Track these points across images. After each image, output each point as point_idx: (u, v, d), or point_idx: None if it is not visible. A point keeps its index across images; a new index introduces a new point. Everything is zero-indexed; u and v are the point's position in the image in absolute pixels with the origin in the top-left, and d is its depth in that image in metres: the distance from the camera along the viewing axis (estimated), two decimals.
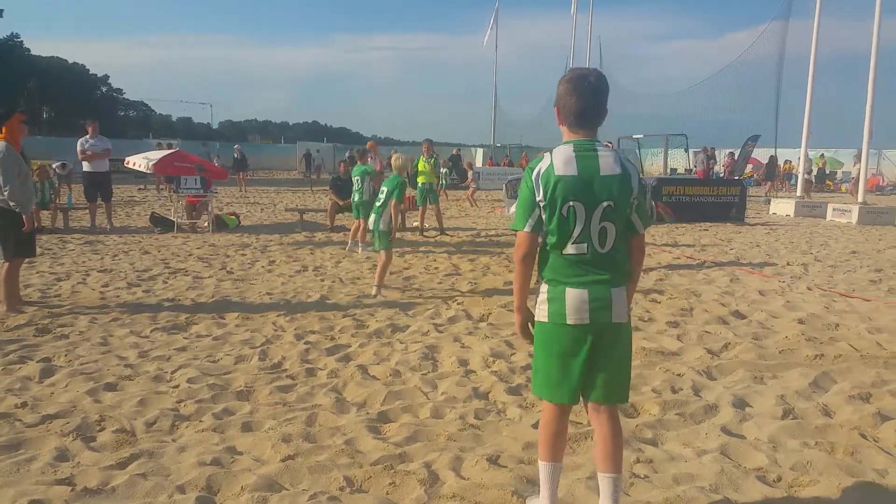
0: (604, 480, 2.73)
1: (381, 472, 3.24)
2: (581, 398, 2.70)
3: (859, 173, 18.87)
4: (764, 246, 11.68)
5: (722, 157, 28.79)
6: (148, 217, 13.73)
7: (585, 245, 2.56)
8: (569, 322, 2.59)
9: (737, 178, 21.91)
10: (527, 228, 2.60)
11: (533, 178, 2.59)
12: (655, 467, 3.34)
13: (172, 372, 4.74)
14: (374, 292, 7.24)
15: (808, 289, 7.75)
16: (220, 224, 13.13)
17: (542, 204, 2.57)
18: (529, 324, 2.78)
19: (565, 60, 41.26)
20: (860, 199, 17.52)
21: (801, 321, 6.18)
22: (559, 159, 2.58)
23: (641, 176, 2.66)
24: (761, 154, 32.19)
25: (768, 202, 20.26)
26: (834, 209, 17.28)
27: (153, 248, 10.52)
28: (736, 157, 28.48)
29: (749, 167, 30.25)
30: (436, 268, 9.03)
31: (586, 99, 2.61)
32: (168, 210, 15.08)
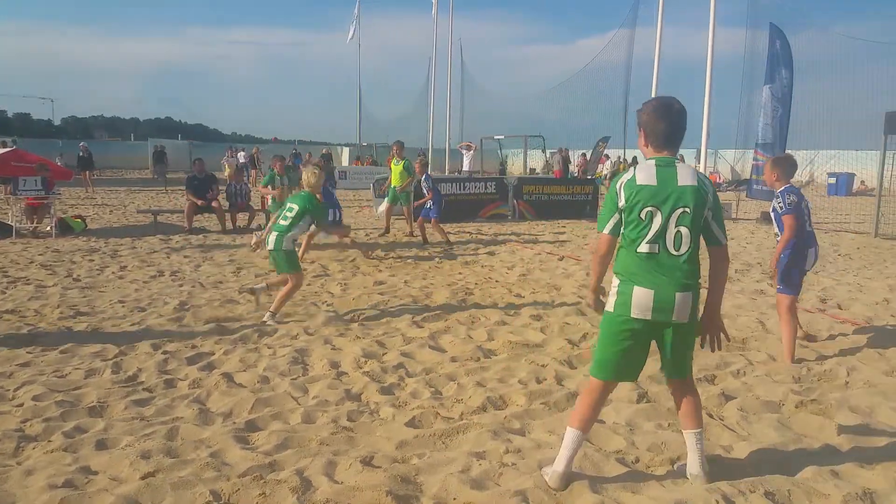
0: (689, 436, 3.17)
1: (250, 483, 3.12)
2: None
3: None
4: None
5: (575, 157, 30.41)
6: None
7: (658, 245, 2.92)
8: (632, 315, 2.96)
9: (589, 177, 23.20)
10: (607, 231, 3.02)
11: (617, 187, 2.99)
12: (524, 455, 3.47)
13: (15, 389, 4.31)
14: (265, 318, 6.03)
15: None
16: (65, 228, 12.02)
17: (622, 209, 2.96)
18: (601, 296, 3.20)
19: (427, 61, 41.90)
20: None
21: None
22: (641, 172, 2.96)
23: (714, 189, 3.04)
24: (611, 154, 34.37)
25: None
26: None
27: None
28: (588, 158, 30.21)
29: (600, 167, 32.16)
30: (303, 269, 8.80)
31: (673, 124, 2.99)
32: (5, 214, 13.58)
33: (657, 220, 2.91)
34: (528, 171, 32.05)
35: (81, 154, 24.80)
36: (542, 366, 4.93)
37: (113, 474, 3.24)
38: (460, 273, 8.74)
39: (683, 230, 2.91)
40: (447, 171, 36.72)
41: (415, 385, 4.51)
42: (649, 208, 2.91)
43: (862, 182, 28.41)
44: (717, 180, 33.64)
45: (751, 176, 18.46)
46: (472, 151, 25.23)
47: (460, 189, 15.67)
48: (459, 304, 6.86)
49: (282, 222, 6.26)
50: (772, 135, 16.80)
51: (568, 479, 3.12)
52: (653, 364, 4.87)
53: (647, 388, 4.48)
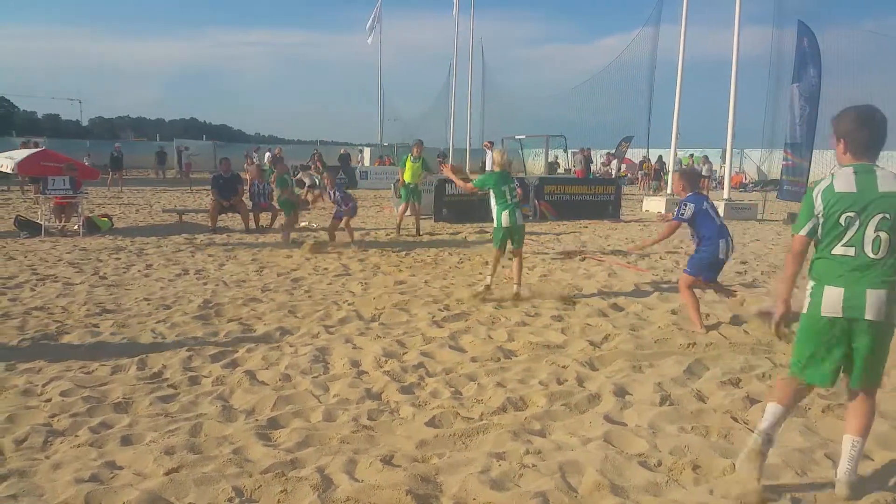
0: (848, 440, 3.12)
1: (272, 480, 3.14)
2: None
3: (718, 171, 20.37)
4: (638, 241, 12.36)
5: (599, 157, 30.22)
6: (12, 220, 12.58)
7: (853, 249, 2.96)
8: (823, 314, 3.01)
9: (612, 177, 23.05)
10: (803, 233, 3.07)
11: (814, 194, 3.05)
12: (544, 457, 3.45)
13: (43, 385, 4.38)
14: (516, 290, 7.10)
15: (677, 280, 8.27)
16: (92, 227, 12.22)
17: (819, 216, 3.02)
18: (786, 319, 3.23)
19: (449, 62, 41.92)
20: (726, 195, 18.96)
21: (674, 312, 6.59)
22: (840, 180, 3.02)
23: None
24: (634, 154, 34.10)
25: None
26: None
27: (19, 254, 9.65)
28: (613, 157, 30.01)
29: (623, 167, 31.92)
30: (325, 269, 8.87)
31: (876, 132, 3.05)
32: (34, 213, 13.86)
33: (855, 225, 2.96)
34: (554, 170, 31.85)
35: (114, 154, 25.37)
36: (563, 367, 4.90)
37: (137, 469, 3.29)
38: (481, 273, 8.72)
39: (883, 235, 2.93)
40: (468, 171, 36.69)
41: (435, 385, 4.51)
42: (848, 214, 2.97)
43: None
44: (743, 180, 33.21)
45: (781, 176, 18.21)
46: (491, 151, 25.19)
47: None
48: (479, 305, 6.85)
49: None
50: (800, 134, 16.54)
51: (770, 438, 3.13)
52: (674, 366, 4.86)
53: (670, 391, 4.44)
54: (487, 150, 25.23)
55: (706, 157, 28.92)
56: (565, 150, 30.42)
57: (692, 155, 32.80)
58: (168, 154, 33.69)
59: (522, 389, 4.45)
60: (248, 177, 14.77)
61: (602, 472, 3.26)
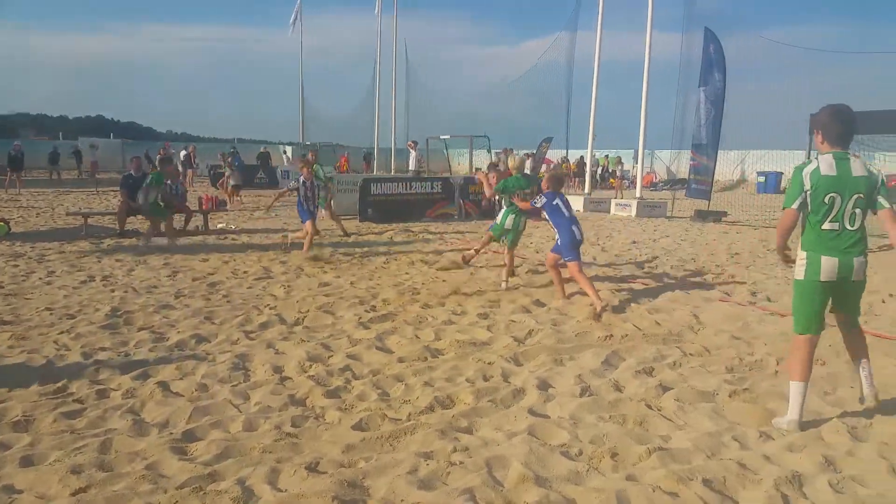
0: (862, 365, 3.88)
1: (189, 496, 3.02)
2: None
3: (630, 171, 21.12)
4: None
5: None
6: None
7: (838, 224, 3.64)
8: (822, 279, 3.69)
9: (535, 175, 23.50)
10: (794, 206, 3.69)
11: (803, 174, 3.67)
12: (471, 453, 3.48)
13: None
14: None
15: (598, 276, 8.53)
16: None
17: (808, 193, 3.64)
18: (787, 255, 3.94)
19: (373, 61, 41.64)
20: (638, 194, 19.68)
21: (592, 305, 6.78)
22: (824, 164, 3.65)
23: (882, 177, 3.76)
24: (554, 155, 34.84)
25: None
26: (616, 204, 19.21)
27: None
28: (534, 158, 30.56)
29: (543, 167, 32.60)
30: (244, 272, 8.62)
31: (847, 125, 3.71)
32: None
33: (838, 204, 3.62)
34: (474, 170, 32.17)
35: (13, 153, 22.86)
36: (489, 363, 4.96)
37: (40, 492, 3.08)
38: (407, 273, 8.72)
39: (858, 211, 3.64)
40: (393, 171, 36.59)
41: (361, 387, 4.46)
42: (832, 194, 3.61)
43: (789, 180, 29.62)
44: (654, 180, 34.59)
45: (689, 176, 19.06)
46: (415, 151, 25.17)
47: (406, 189, 15.65)
48: (406, 305, 6.83)
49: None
50: (705, 136, 17.37)
51: (803, 424, 3.74)
52: (593, 358, 5.00)
53: (589, 382, 4.56)
54: (411, 150, 25.22)
55: (619, 159, 29.95)
56: (489, 151, 30.79)
57: (607, 156, 33.91)
58: (62, 154, 31.26)
59: (450, 388, 4.47)
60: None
61: (526, 464, 3.31)
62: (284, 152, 42.03)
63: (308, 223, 9.97)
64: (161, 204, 11.03)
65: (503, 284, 7.83)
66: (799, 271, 3.79)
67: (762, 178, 30.42)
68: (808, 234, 3.74)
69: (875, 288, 7.71)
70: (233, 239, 11.92)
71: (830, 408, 4.06)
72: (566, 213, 7.14)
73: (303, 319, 6.24)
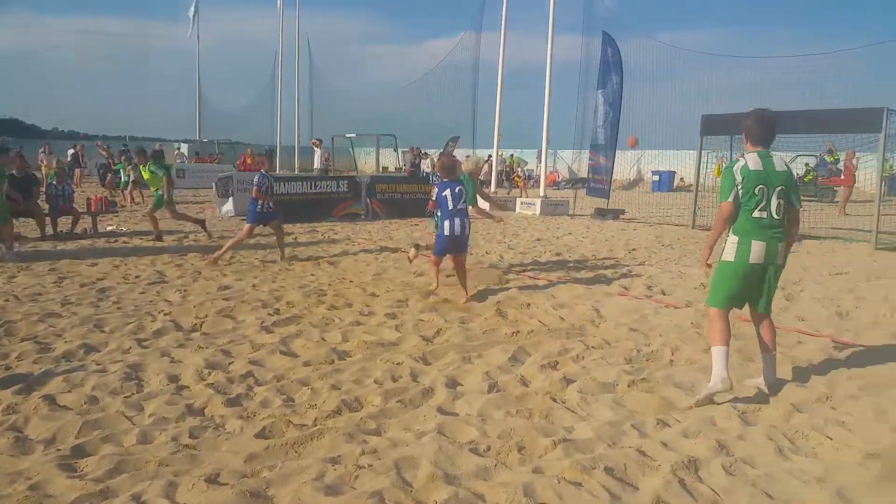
0: (767, 358, 4.42)
1: None
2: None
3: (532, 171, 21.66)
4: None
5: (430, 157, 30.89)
6: None
7: (766, 213, 4.14)
8: (751, 262, 4.17)
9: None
10: (730, 199, 4.15)
11: (734, 170, 4.18)
12: (379, 455, 3.44)
13: None
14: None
15: (504, 273, 8.69)
16: None
17: (739, 186, 4.13)
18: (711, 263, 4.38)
19: (273, 55, 40.64)
20: (542, 193, 20.21)
21: (499, 302, 6.90)
22: (751, 161, 4.17)
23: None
24: (460, 154, 35.19)
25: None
26: (521, 203, 19.65)
27: None
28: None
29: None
30: (136, 276, 8.17)
31: (767, 129, 4.26)
32: None
33: (765, 195, 4.12)
34: (380, 169, 32.08)
35: None
36: (398, 364, 4.93)
37: None
38: (312, 274, 8.54)
39: (781, 202, 4.15)
40: (297, 170, 35.86)
41: (265, 393, 4.32)
42: (760, 186, 4.11)
43: (681, 179, 31.34)
44: (557, 179, 35.66)
45: (588, 175, 19.76)
46: (320, 149, 24.75)
47: (311, 188, 15.34)
48: (312, 306, 6.69)
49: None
50: (603, 137, 18.06)
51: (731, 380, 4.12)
52: (500, 355, 5.08)
53: (496, 378, 4.63)
54: (316, 149, 24.79)
55: (521, 158, 30.66)
56: (395, 150, 30.75)
57: (512, 155, 34.62)
58: None
59: (357, 390, 4.41)
60: (44, 175, 13.22)
61: (436, 463, 3.31)
62: (178, 149, 40.32)
63: (247, 227, 9.48)
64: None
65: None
66: (729, 254, 4.23)
67: (657, 178, 31.98)
68: (739, 221, 4.19)
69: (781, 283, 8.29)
70: (124, 242, 11.28)
71: (723, 394, 4.29)
72: (450, 206, 6.99)
73: (200, 325, 5.97)
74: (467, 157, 8.95)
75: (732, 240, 4.22)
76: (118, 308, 6.52)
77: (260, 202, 9.38)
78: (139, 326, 5.85)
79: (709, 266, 4.42)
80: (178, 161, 34.58)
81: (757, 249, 4.14)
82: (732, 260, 4.21)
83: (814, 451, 3.57)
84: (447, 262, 7.29)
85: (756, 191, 4.11)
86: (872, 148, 13.72)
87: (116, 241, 11.38)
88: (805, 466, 3.38)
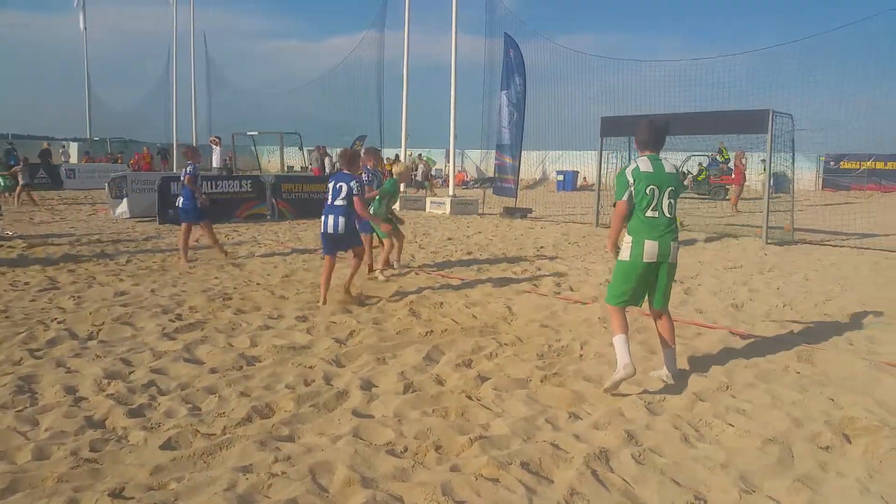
0: (668, 352, 4.64)
1: None
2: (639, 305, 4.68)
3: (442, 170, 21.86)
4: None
5: (335, 155, 30.52)
6: None
7: (658, 212, 4.36)
8: (644, 260, 4.37)
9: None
10: (624, 198, 4.38)
11: (626, 172, 4.41)
12: (293, 462, 3.37)
13: None
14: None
15: (416, 273, 8.72)
16: None
17: (632, 187, 4.35)
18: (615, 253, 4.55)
19: (168, 50, 38.91)
20: (451, 192, 20.39)
21: (412, 302, 6.91)
22: (643, 164, 4.41)
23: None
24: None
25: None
26: (431, 202, 19.75)
27: None
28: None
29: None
30: (25, 283, 7.62)
31: (657, 135, 4.55)
32: None
33: (657, 195, 4.34)
34: (286, 168, 31.35)
35: None
36: (310, 367, 4.84)
37: None
38: (216, 277, 8.24)
39: (672, 202, 4.42)
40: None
41: (169, 403, 4.13)
42: (652, 186, 4.33)
43: (584, 178, 32.47)
44: (465, 178, 36.10)
45: (494, 174, 20.12)
46: (219, 147, 23.88)
47: (212, 188, 14.78)
48: (217, 311, 6.46)
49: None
50: (509, 137, 18.44)
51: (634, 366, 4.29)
52: (415, 355, 5.09)
53: (412, 378, 4.63)
54: (215, 147, 23.91)
55: (431, 158, 30.85)
56: (300, 148, 30.15)
57: (420, 155, 34.79)
58: None
59: (268, 396, 4.30)
60: None
61: (352, 467, 3.28)
62: (63, 147, 37.92)
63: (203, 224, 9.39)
64: None
65: (380, 275, 8.21)
66: (625, 253, 4.44)
67: (561, 177, 32.99)
68: (633, 221, 4.42)
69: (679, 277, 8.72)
70: (9, 247, 10.47)
71: (630, 386, 4.48)
72: (328, 201, 6.91)
73: (97, 333, 5.64)
74: (396, 156, 8.99)
75: (627, 240, 4.44)
76: (6, 317, 6.04)
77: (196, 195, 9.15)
78: (30, 336, 5.46)
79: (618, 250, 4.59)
80: (62, 160, 32.54)
81: (650, 248, 4.34)
82: (628, 259, 4.42)
83: (717, 439, 3.77)
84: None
85: (647, 191, 4.33)
86: (760, 148, 14.53)
87: (1, 246, 10.54)
88: (709, 453, 3.55)
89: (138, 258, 9.47)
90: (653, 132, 4.54)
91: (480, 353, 5.23)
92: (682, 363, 4.96)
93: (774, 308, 7.07)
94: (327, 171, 24.75)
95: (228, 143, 25.84)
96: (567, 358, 5.21)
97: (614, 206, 4.54)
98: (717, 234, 13.97)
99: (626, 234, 4.45)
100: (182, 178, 9.28)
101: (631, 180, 4.38)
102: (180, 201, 9.26)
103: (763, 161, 14.84)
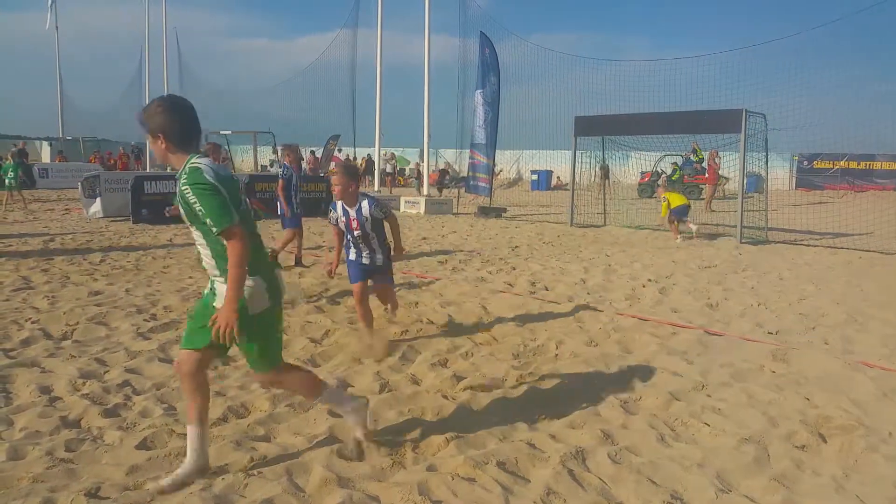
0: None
1: None
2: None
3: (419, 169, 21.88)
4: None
5: (306, 154, 30.31)
6: None
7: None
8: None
9: (322, 175, 23.33)
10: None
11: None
12: (269, 462, 3.38)
13: None
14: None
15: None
16: None
17: None
18: None
19: (140, 49, 38.39)
20: (425, 192, 20.43)
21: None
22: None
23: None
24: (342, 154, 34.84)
25: None
26: (406, 201, 19.76)
27: None
28: (319, 156, 30.30)
29: (332, 165, 32.44)
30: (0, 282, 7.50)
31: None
32: None
33: None
34: (259, 168, 31.10)
35: None
36: None
37: None
38: (191, 277, 8.18)
39: None
40: (169, 168, 34.00)
41: (144, 403, 4.12)
42: None
43: (558, 178, 32.69)
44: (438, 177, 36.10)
45: (468, 173, 20.20)
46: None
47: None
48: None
49: None
50: (484, 136, 18.53)
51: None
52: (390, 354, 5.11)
53: (388, 378, 4.66)
54: None
55: (403, 158, 30.83)
56: (274, 148, 29.92)
57: (394, 155, 34.74)
58: None
59: (244, 396, 4.30)
60: None
61: (328, 467, 3.29)
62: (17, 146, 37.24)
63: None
64: None
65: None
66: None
67: (535, 177, 33.17)
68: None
69: (636, 275, 8.85)
70: None
71: (606, 385, 4.53)
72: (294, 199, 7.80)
73: (72, 333, 5.58)
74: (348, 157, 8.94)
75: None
76: None
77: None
78: (4, 336, 5.40)
79: None
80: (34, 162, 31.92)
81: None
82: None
83: (693, 438, 3.81)
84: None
85: None
86: (734, 147, 14.67)
87: None
88: (686, 453, 3.58)
89: (112, 257, 9.36)
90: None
91: (456, 353, 5.27)
92: (658, 363, 5.04)
93: (749, 307, 7.18)
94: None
95: (201, 142, 25.58)
96: (543, 357, 5.27)
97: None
98: (691, 234, 14.19)
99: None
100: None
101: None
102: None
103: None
